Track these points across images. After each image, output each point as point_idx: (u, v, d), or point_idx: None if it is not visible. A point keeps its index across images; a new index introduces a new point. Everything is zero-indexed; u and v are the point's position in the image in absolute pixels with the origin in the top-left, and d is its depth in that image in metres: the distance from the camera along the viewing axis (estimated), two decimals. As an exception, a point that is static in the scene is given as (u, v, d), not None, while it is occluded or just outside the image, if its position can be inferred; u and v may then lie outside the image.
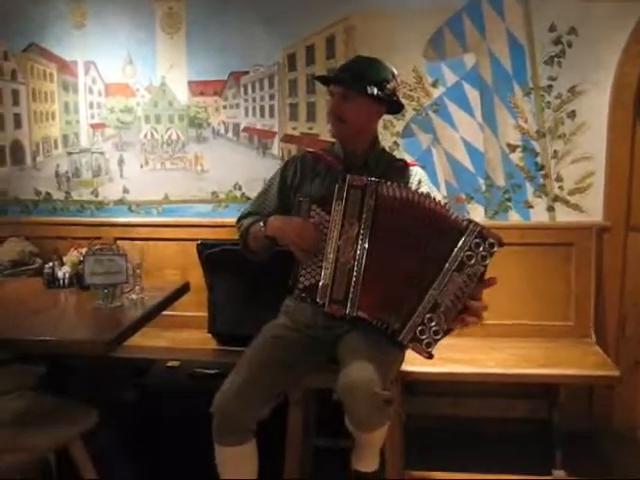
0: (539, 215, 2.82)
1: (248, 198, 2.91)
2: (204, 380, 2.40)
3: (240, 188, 3.02)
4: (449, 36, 2.78)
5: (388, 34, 2.78)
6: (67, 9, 3.01)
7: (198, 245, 2.74)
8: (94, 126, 3.11)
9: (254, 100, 3.00)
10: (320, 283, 1.83)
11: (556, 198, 2.80)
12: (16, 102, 3.14)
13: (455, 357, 2.47)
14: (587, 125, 2.75)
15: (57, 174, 3.15)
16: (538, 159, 2.80)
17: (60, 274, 2.36)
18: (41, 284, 2.39)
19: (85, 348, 1.83)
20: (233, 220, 2.25)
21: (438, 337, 1.74)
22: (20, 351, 2.28)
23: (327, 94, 2.19)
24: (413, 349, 1.78)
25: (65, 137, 3.13)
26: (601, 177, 2.76)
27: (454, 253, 1.72)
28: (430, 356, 1.75)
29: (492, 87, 2.78)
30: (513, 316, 2.76)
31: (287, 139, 2.98)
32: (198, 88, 3.02)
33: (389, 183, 1.83)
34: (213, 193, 3.04)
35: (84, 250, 2.24)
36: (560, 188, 2.79)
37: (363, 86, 1.96)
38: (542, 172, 2.80)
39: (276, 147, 3.00)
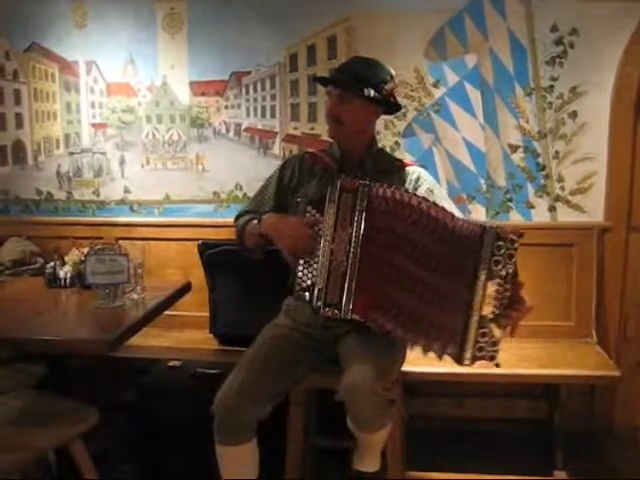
0: (540, 215, 2.82)
1: (249, 198, 2.89)
2: (205, 380, 2.40)
3: (241, 188, 3.02)
4: (450, 36, 2.78)
5: (389, 34, 2.77)
6: (69, 9, 3.01)
7: (199, 245, 2.74)
8: (95, 126, 3.11)
9: (255, 100, 3.00)
10: (314, 286, 1.82)
11: (557, 198, 2.80)
12: (18, 102, 3.14)
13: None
14: (588, 125, 2.74)
15: (58, 174, 3.16)
16: (539, 159, 2.79)
17: (61, 274, 2.36)
18: (42, 284, 2.39)
19: (86, 348, 1.84)
20: (234, 220, 2.25)
21: (497, 347, 1.73)
22: (21, 350, 2.29)
23: (327, 94, 2.19)
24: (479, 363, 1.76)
25: (67, 137, 3.14)
26: (602, 177, 2.76)
27: (482, 265, 1.69)
28: (497, 365, 1.74)
29: (493, 87, 2.78)
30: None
31: (288, 139, 2.98)
32: (199, 88, 3.02)
33: (382, 185, 1.80)
34: (214, 193, 3.05)
35: (85, 250, 2.24)
36: (561, 188, 2.79)
37: (360, 88, 1.95)
38: (543, 172, 2.80)
39: (277, 147, 3.00)
